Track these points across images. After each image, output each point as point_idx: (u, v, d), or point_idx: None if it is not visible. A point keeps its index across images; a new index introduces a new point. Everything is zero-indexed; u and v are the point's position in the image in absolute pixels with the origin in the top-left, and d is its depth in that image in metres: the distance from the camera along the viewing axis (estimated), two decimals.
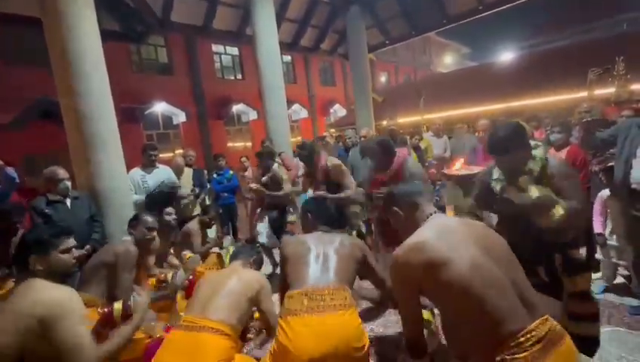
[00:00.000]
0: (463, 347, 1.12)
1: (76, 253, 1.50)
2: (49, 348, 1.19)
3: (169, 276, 2.28)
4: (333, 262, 1.67)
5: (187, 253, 2.96)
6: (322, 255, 1.70)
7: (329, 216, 1.96)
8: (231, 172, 5.15)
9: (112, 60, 3.58)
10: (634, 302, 2.63)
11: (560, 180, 1.68)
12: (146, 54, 10.93)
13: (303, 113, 14.79)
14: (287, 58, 15.05)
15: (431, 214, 1.30)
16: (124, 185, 3.62)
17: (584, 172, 3.20)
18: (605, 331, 2.37)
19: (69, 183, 2.95)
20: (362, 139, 4.39)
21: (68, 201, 2.91)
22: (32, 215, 2.76)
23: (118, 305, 1.48)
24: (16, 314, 1.19)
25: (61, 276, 1.39)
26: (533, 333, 0.99)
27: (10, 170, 2.62)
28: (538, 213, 1.62)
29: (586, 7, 12.56)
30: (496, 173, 1.93)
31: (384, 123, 9.40)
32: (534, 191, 1.64)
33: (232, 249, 3.21)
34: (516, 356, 0.97)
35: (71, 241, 1.48)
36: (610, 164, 2.89)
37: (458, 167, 3.93)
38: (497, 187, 1.89)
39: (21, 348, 1.17)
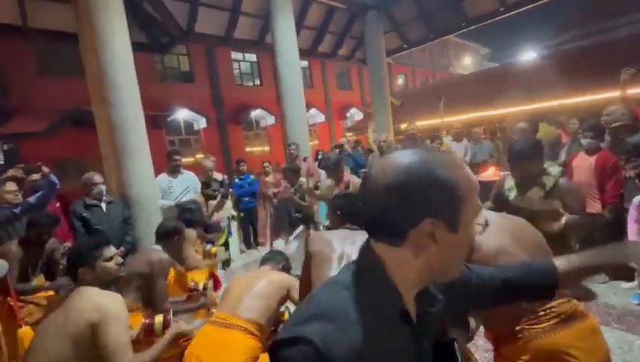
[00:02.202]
0: (490, 320, 1.26)
1: (119, 259, 1.58)
2: (96, 354, 1.26)
3: (200, 286, 2.35)
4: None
5: (211, 247, 3.01)
6: (345, 257, 1.69)
7: (357, 213, 1.96)
8: (252, 176, 5.26)
9: (138, 70, 3.76)
10: None
11: (566, 195, 1.95)
12: (168, 63, 11.35)
13: (320, 117, 14.90)
14: (304, 63, 15.21)
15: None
16: (153, 191, 3.78)
17: (616, 177, 3.09)
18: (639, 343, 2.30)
19: (103, 188, 3.11)
20: (383, 143, 4.40)
21: (103, 205, 3.07)
22: (71, 218, 2.93)
23: (159, 319, 1.56)
24: (69, 321, 1.27)
25: (108, 282, 1.49)
26: (554, 310, 1.12)
27: (53, 177, 2.80)
28: (544, 218, 1.85)
29: (610, 2, 12.04)
30: (508, 183, 2.16)
31: (402, 126, 9.33)
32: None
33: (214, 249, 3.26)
34: (534, 327, 1.11)
35: (112, 249, 1.58)
36: None
37: (490, 173, 3.91)
38: (511, 195, 2.10)
39: (73, 354, 1.25)
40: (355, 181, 3.30)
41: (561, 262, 0.80)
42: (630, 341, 2.31)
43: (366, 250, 0.61)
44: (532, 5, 6.66)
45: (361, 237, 1.83)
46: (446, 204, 0.51)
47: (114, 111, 3.52)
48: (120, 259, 1.59)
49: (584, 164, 3.29)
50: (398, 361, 0.55)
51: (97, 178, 3.07)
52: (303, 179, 3.73)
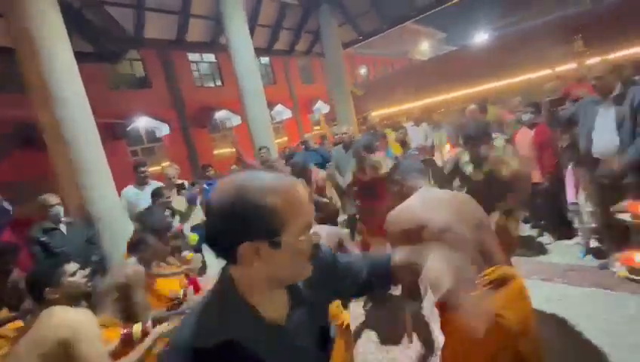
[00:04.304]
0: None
1: (83, 272, 1.59)
2: None
3: (180, 293, 2.36)
4: None
5: (187, 253, 3.01)
6: None
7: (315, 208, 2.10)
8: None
9: (87, 80, 3.62)
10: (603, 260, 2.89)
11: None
12: (121, 69, 10.81)
13: (287, 113, 14.85)
14: (266, 60, 15.05)
15: (421, 186, 1.55)
16: (117, 206, 3.68)
17: (552, 148, 3.42)
18: (577, 292, 2.60)
19: (60, 209, 3.00)
20: (344, 135, 4.53)
21: (63, 227, 2.97)
22: (29, 244, 2.82)
23: (137, 327, 1.59)
24: (40, 342, 1.27)
25: (79, 297, 1.49)
26: (487, 277, 1.26)
27: (6, 204, 2.68)
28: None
29: None
30: (464, 159, 2.41)
31: (369, 117, 9.56)
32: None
33: (193, 236, 3.29)
34: (472, 294, 1.23)
35: (74, 264, 1.58)
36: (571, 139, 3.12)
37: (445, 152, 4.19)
38: (468, 169, 2.36)
39: None
40: (321, 175, 3.47)
41: (394, 257, 0.93)
42: (571, 293, 2.60)
43: (222, 271, 0.68)
44: None
45: (325, 230, 1.95)
46: (263, 228, 0.58)
47: (64, 126, 3.37)
48: (85, 272, 1.59)
49: (526, 138, 3.61)
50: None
51: (52, 199, 2.96)
52: None
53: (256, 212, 0.57)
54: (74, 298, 1.48)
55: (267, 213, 0.57)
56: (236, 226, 0.58)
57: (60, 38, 3.45)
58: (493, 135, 2.35)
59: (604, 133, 2.65)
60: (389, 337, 2.43)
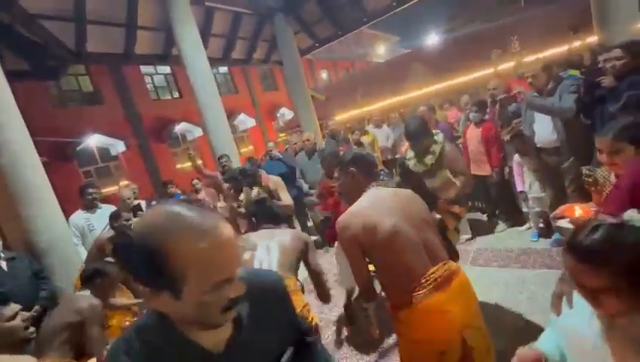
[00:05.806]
0: (388, 289, 1.44)
1: (25, 315, 1.45)
2: None
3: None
4: (276, 254, 1.79)
5: None
6: (266, 249, 1.83)
7: (271, 215, 2.11)
8: (182, 197, 5.05)
9: (26, 99, 3.34)
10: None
11: (451, 159, 2.42)
12: (66, 85, 10.07)
13: (250, 122, 14.65)
14: (224, 69, 14.79)
15: (371, 186, 1.55)
16: (66, 235, 3.42)
17: (497, 143, 3.68)
18: (532, 274, 2.81)
19: None
20: (306, 142, 4.57)
21: (3, 263, 2.70)
22: None
23: None
24: None
25: (18, 344, 1.35)
26: (432, 276, 1.32)
27: None
28: (442, 191, 2.37)
29: None
30: (410, 154, 2.60)
31: (329, 122, 9.69)
32: (439, 177, 2.39)
33: None
34: (419, 293, 1.30)
35: (13, 307, 1.43)
36: (516, 131, 3.38)
37: (404, 150, 4.34)
38: (411, 163, 2.57)
39: None
40: (272, 179, 3.55)
41: None
42: (526, 276, 2.79)
43: None
44: None
45: (279, 232, 1.97)
46: (160, 276, 0.52)
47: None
48: (26, 315, 1.45)
49: (474, 135, 3.85)
50: None
51: None
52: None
53: (153, 258, 0.51)
54: (12, 345, 1.34)
55: (165, 263, 0.51)
56: (135, 267, 0.53)
57: None
58: (434, 131, 2.51)
59: (543, 124, 2.95)
60: (364, 341, 2.47)
